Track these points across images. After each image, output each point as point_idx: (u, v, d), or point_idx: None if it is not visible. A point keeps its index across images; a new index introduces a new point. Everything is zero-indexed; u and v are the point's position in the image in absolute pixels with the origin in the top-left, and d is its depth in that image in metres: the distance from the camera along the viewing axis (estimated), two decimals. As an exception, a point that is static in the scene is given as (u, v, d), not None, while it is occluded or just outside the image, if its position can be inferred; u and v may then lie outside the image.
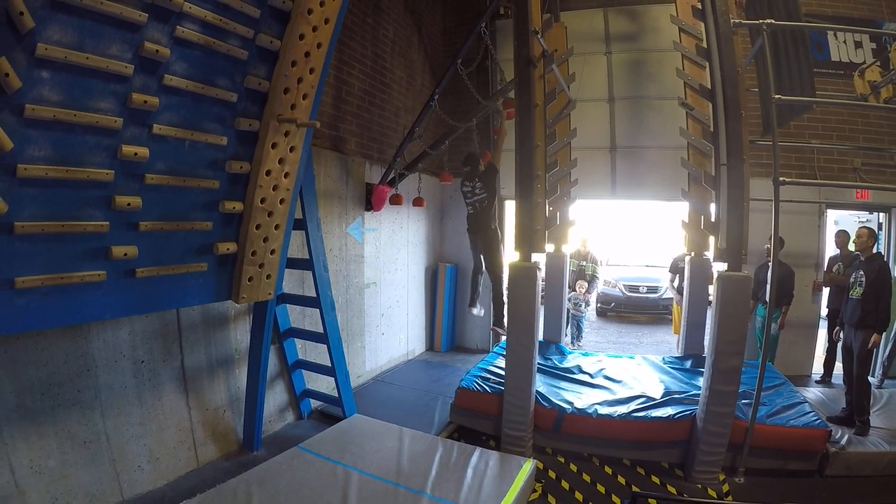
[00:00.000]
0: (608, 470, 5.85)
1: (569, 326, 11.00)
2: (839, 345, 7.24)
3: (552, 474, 5.74)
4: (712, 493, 5.44)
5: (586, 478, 5.69)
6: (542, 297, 7.04)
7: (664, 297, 13.81)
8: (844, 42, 8.97)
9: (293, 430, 6.55)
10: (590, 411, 6.07)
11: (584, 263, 10.84)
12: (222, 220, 4.45)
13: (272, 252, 4.86)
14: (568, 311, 10.90)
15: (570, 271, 10.81)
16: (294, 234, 5.57)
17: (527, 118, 5.94)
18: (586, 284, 10.71)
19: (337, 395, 6.57)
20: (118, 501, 4.62)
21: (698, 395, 5.92)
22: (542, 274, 6.15)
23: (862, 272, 6.43)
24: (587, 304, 10.88)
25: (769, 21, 5.50)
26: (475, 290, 7.94)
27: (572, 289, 10.74)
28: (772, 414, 5.95)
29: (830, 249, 9.18)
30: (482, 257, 7.45)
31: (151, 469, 4.96)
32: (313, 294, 6.26)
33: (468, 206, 7.36)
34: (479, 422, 6.54)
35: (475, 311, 8.07)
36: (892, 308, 6.42)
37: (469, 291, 8.21)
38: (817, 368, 8.94)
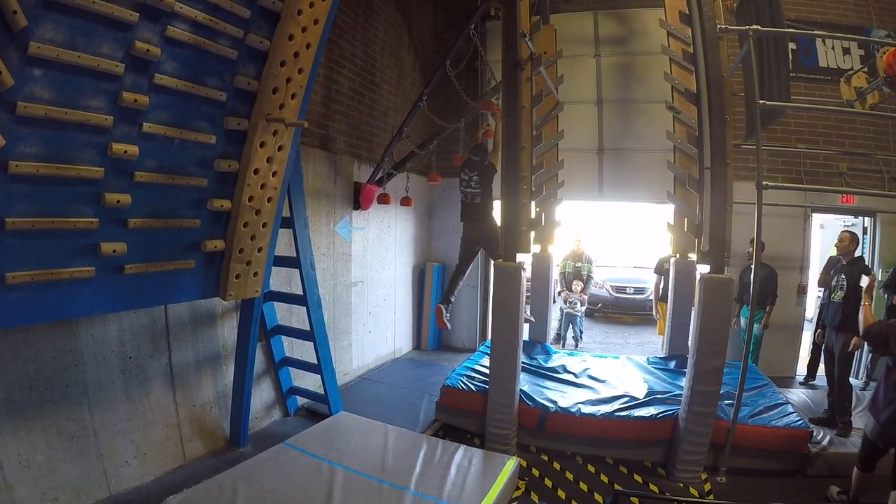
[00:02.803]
0: (591, 468, 5.90)
1: (564, 328, 11.11)
2: (822, 347, 7.30)
3: (536, 472, 5.78)
4: (694, 492, 5.50)
5: (569, 476, 5.74)
6: (528, 297, 7.07)
7: (651, 297, 13.88)
8: (833, 48, 9.06)
9: (280, 426, 6.58)
10: (573, 410, 6.12)
11: (580, 264, 10.96)
12: (210, 217, 4.49)
13: (259, 250, 4.90)
14: (562, 310, 11.04)
15: (566, 272, 10.96)
16: (281, 232, 5.60)
17: (513, 120, 5.97)
18: (581, 284, 10.81)
19: (323, 392, 6.61)
20: (105, 496, 4.63)
21: (681, 395, 5.97)
22: (527, 274, 6.19)
23: (843, 275, 6.51)
24: (583, 304, 10.99)
25: (755, 27, 5.56)
26: (454, 286, 7.21)
27: (568, 289, 10.86)
28: (754, 414, 6.02)
29: (815, 252, 9.29)
30: (481, 248, 7.15)
31: (138, 464, 4.98)
32: (300, 292, 6.30)
33: (461, 194, 7.08)
34: (463, 420, 6.59)
35: (446, 314, 7.11)
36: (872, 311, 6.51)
37: (446, 287, 7.42)
38: (801, 370, 9.02)
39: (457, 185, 6.90)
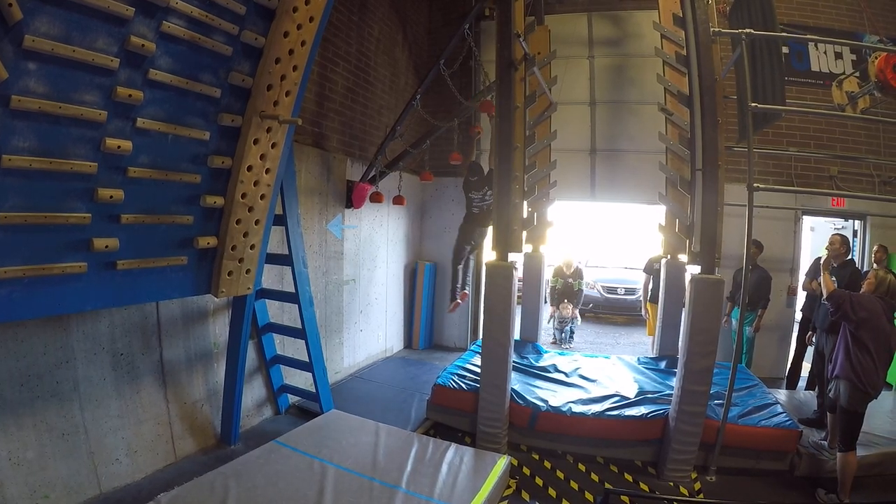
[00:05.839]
0: (582, 467, 5.91)
1: (556, 330, 11.17)
2: (810, 348, 7.33)
3: (526, 471, 5.79)
4: (684, 491, 5.52)
5: (560, 475, 5.75)
6: (519, 296, 7.09)
7: (641, 297, 13.91)
8: (825, 52, 9.14)
9: (270, 424, 6.56)
10: (564, 409, 6.13)
11: (571, 280, 11.04)
12: (203, 214, 4.46)
13: (252, 247, 4.89)
14: (553, 316, 11.10)
15: (556, 287, 11.02)
16: (274, 229, 5.59)
17: (507, 120, 5.98)
18: (570, 306, 10.88)
19: (314, 390, 6.59)
20: (96, 494, 4.62)
21: (671, 394, 6.00)
22: (518, 274, 6.20)
23: (834, 278, 6.54)
24: (574, 319, 11.10)
25: (748, 31, 5.59)
26: (464, 277, 7.96)
27: (556, 307, 10.93)
28: (744, 414, 6.05)
29: (806, 255, 9.34)
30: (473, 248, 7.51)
31: (129, 462, 4.96)
32: (292, 290, 6.28)
33: (474, 208, 7.46)
34: (454, 418, 6.58)
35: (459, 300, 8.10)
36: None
37: (451, 283, 8.27)
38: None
39: (451, 185, 7.07)
